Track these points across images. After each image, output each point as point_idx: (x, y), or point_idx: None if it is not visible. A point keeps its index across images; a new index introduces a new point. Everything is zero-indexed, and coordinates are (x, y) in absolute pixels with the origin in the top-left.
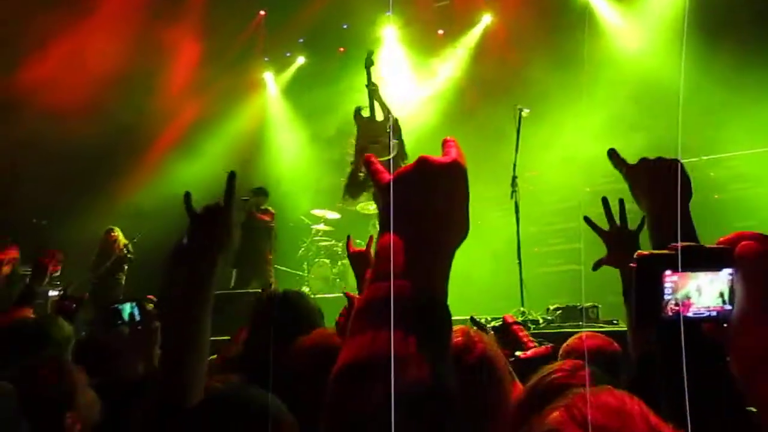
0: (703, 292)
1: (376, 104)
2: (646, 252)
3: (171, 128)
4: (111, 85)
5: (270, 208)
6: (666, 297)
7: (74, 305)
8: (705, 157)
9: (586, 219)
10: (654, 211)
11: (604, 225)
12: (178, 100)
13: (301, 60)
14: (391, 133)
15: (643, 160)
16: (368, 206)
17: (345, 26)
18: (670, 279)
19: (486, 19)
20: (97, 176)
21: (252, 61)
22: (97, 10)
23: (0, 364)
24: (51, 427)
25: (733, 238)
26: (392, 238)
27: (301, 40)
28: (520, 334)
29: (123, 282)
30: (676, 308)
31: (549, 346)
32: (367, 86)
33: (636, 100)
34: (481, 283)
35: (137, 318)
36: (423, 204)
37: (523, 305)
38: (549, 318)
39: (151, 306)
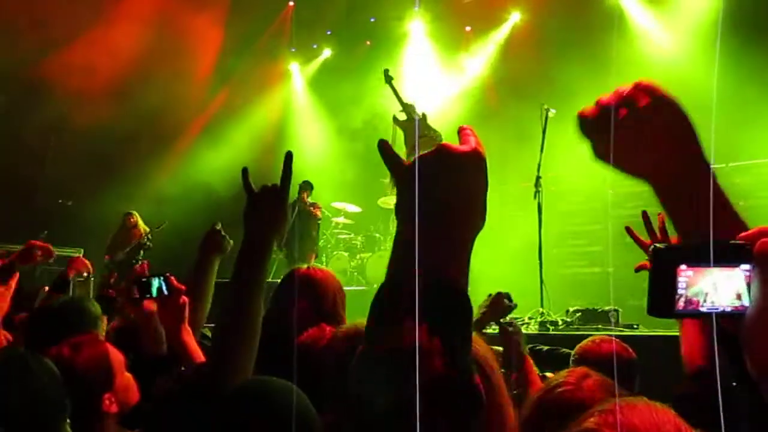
0: (719, 287)
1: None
2: (662, 245)
3: (193, 114)
4: (139, 70)
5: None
6: (680, 291)
7: (115, 294)
8: (732, 164)
9: (628, 230)
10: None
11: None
12: (204, 87)
13: (327, 52)
14: (421, 129)
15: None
16: (389, 201)
17: (372, 20)
18: (685, 273)
19: (515, 17)
20: (123, 160)
21: (279, 51)
22: None
23: (45, 343)
24: (89, 407)
25: (755, 234)
26: (410, 227)
27: (329, 32)
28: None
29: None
30: (691, 303)
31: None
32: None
33: None
34: (501, 282)
35: (165, 292)
36: (442, 192)
37: (542, 306)
38: (568, 320)
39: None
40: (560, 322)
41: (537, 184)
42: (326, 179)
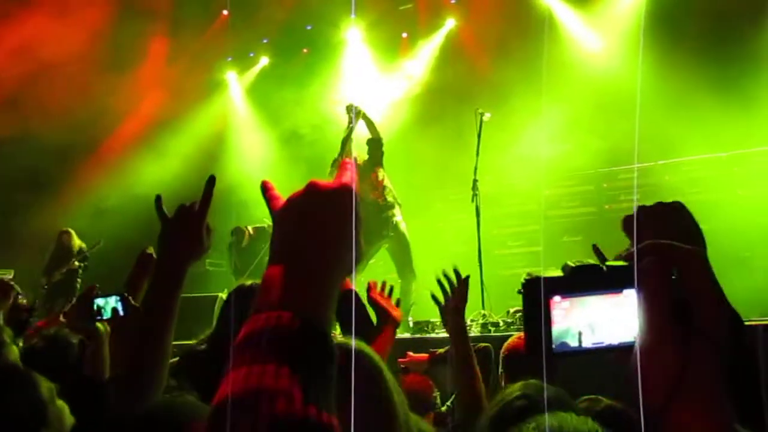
0: (601, 318)
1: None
2: (533, 274)
3: (128, 124)
4: (71, 79)
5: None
6: (555, 327)
7: (26, 314)
8: (661, 162)
9: (595, 248)
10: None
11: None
12: (139, 97)
13: (265, 60)
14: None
15: (642, 208)
16: None
17: (309, 27)
18: (559, 305)
19: (450, 23)
20: (55, 173)
21: (214, 60)
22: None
23: None
24: None
25: (641, 251)
26: (276, 268)
27: (265, 41)
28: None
29: (78, 286)
30: (570, 339)
31: (428, 355)
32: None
33: (595, 104)
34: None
35: (121, 313)
36: (309, 230)
37: (483, 308)
38: (509, 320)
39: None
40: (501, 323)
41: (474, 187)
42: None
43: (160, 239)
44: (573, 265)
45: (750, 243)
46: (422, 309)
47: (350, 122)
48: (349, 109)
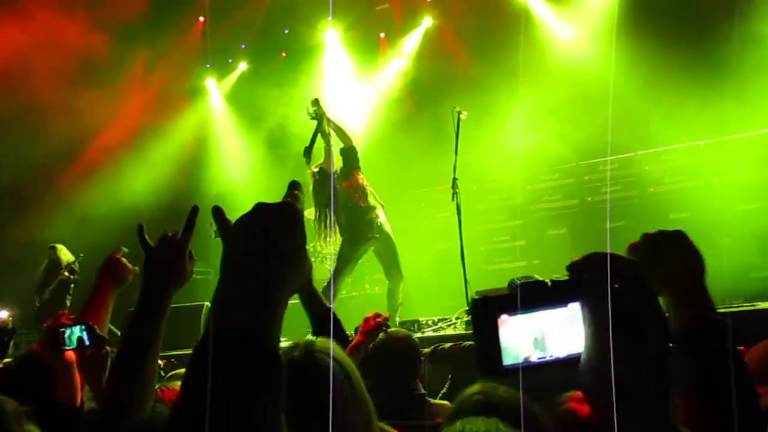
0: (548, 333)
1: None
2: (481, 294)
3: (110, 133)
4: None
5: None
6: (504, 344)
7: (7, 336)
8: (641, 152)
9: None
10: (674, 292)
11: None
12: (119, 106)
13: (243, 66)
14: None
15: (646, 236)
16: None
17: (287, 31)
18: (507, 324)
19: (427, 22)
20: (38, 186)
21: (193, 67)
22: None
23: None
24: None
25: (584, 263)
26: (226, 284)
27: (243, 46)
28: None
29: (69, 303)
30: (519, 355)
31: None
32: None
33: (574, 97)
34: (427, 284)
35: (86, 342)
36: (255, 248)
37: (468, 304)
38: None
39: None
40: None
41: (454, 185)
42: (252, 191)
43: (144, 268)
44: (519, 282)
45: (728, 230)
46: (409, 309)
47: (316, 117)
48: (314, 103)
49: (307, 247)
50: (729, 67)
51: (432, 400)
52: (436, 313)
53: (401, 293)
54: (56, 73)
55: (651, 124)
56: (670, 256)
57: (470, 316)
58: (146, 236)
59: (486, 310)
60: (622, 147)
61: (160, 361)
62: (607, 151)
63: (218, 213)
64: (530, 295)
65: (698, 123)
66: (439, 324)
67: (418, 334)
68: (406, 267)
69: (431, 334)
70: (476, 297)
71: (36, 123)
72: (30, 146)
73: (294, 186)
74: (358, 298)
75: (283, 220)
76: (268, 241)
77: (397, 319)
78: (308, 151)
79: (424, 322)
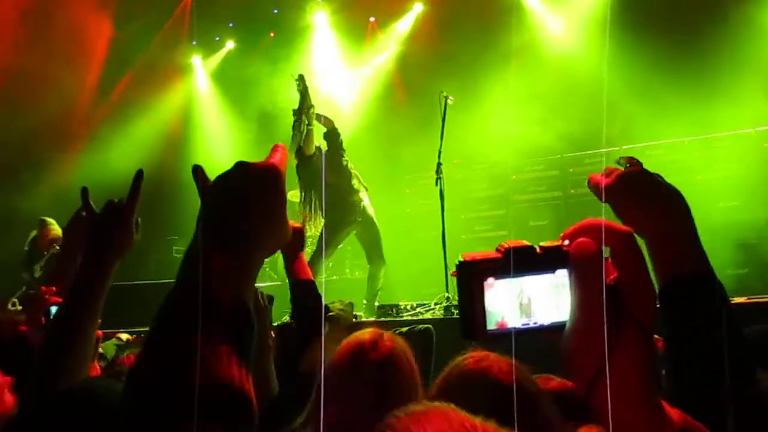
0: (534, 299)
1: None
2: (467, 257)
3: (94, 111)
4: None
5: None
6: (489, 308)
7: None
8: (626, 147)
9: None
10: (655, 235)
11: None
12: (104, 83)
13: (230, 44)
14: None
15: (621, 176)
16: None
17: (275, 11)
18: (493, 288)
19: (418, 7)
20: (20, 164)
21: (179, 45)
22: None
23: None
24: None
25: (576, 231)
26: (201, 244)
27: (231, 25)
28: None
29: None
30: (503, 319)
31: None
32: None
33: (562, 89)
34: (409, 270)
35: None
36: (234, 207)
37: (447, 291)
38: None
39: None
40: None
41: (438, 171)
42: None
43: (86, 234)
44: (507, 246)
45: (707, 226)
46: (389, 294)
47: (300, 91)
48: (299, 78)
49: (285, 210)
50: (715, 66)
51: None
52: (416, 299)
53: (382, 278)
54: (40, 44)
55: (636, 120)
56: (649, 196)
57: (456, 279)
58: (91, 202)
59: (472, 271)
60: (607, 141)
61: (128, 336)
62: (595, 143)
63: (197, 171)
64: (518, 260)
65: (683, 120)
66: (418, 309)
67: (397, 319)
68: (387, 252)
69: (409, 317)
70: (462, 259)
71: (19, 94)
72: (11, 118)
73: (275, 148)
74: (339, 282)
75: (262, 177)
76: (243, 196)
77: (377, 303)
78: (297, 113)
79: (402, 307)
